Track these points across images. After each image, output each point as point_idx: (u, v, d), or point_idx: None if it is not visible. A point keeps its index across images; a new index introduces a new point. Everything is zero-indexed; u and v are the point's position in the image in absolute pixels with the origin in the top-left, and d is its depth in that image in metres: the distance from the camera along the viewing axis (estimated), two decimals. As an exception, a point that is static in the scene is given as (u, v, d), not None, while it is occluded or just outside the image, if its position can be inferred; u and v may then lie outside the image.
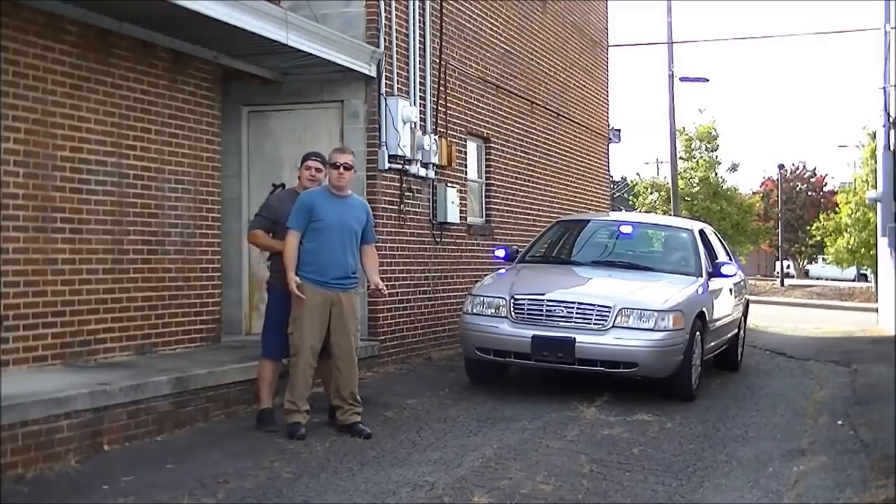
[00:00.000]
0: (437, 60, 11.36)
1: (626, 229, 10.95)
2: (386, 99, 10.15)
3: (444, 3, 11.54)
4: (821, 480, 6.09)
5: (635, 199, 38.29)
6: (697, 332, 9.15)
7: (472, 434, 7.31)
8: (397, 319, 10.55)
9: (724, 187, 35.89)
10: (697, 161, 35.53)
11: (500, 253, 10.53)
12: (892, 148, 17.26)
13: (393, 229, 10.42)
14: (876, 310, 21.48)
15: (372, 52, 9.97)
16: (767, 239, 49.61)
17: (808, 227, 47.52)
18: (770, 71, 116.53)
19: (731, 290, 10.89)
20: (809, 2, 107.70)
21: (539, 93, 15.04)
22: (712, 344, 9.97)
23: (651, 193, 37.09)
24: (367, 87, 10.11)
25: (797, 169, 60.38)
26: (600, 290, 9.12)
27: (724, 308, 10.40)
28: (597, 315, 8.70)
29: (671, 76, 26.73)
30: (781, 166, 53.09)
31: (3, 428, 5.61)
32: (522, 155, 14.29)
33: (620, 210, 31.15)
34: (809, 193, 59.52)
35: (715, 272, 10.17)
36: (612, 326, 8.66)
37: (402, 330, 10.67)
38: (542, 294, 8.99)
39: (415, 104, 10.74)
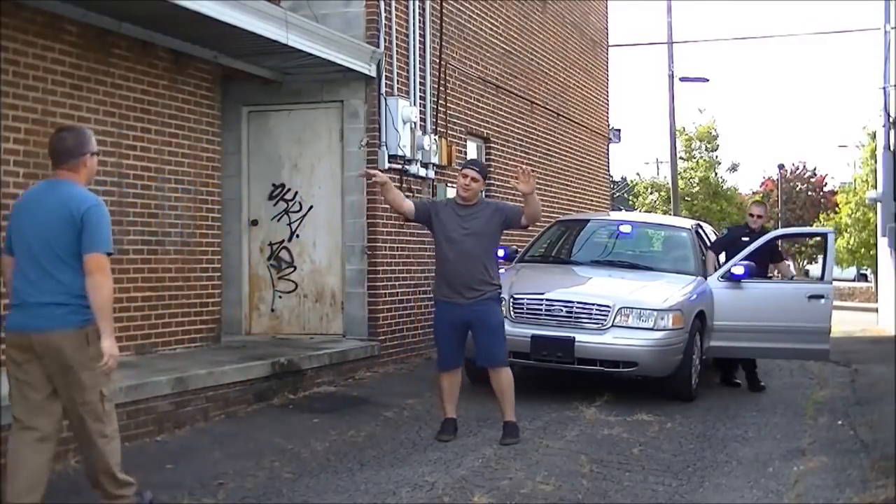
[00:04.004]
0: (437, 60, 11.37)
1: (625, 228, 10.89)
2: (386, 99, 10.16)
3: (444, 3, 11.54)
4: (821, 480, 6.09)
5: (635, 199, 38.34)
6: (697, 332, 9.15)
7: (472, 434, 7.30)
8: (397, 319, 10.55)
9: (724, 187, 35.95)
10: (697, 161, 35.58)
11: (500, 252, 10.49)
12: (892, 148, 17.26)
13: (393, 229, 10.41)
14: (876, 310, 21.49)
15: (372, 52, 9.97)
16: (767, 239, 49.55)
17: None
18: (770, 71, 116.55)
19: (758, 294, 9.87)
20: (809, 2, 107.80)
21: (539, 93, 15.05)
22: (723, 345, 9.65)
23: (651, 193, 37.15)
24: (366, 86, 10.11)
25: (797, 169, 60.26)
26: (600, 290, 9.11)
27: (743, 312, 9.58)
28: (596, 314, 8.70)
29: (671, 76, 26.77)
30: (781, 166, 53.05)
31: (3, 428, 5.60)
32: (522, 155, 14.29)
33: (620, 210, 31.15)
34: (809, 193, 59.40)
35: (728, 274, 9.64)
36: (612, 326, 8.65)
37: (402, 330, 10.67)
38: (542, 293, 8.98)
39: (415, 104, 10.74)
